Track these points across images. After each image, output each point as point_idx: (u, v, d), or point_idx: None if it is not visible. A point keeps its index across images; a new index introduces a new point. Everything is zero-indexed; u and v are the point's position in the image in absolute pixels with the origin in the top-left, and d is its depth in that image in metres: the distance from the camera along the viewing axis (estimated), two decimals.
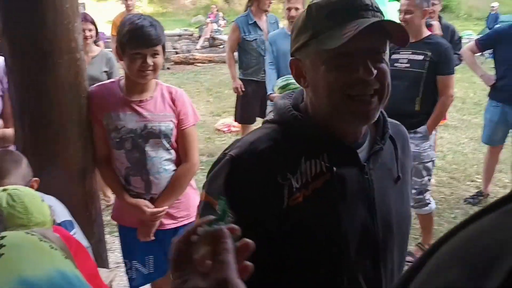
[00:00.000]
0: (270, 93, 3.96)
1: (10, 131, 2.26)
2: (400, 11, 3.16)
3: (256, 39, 4.55)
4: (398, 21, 3.01)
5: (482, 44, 3.97)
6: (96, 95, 2.07)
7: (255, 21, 4.57)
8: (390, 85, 0.97)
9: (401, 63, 3.11)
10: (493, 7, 15.93)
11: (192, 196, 2.23)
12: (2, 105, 2.42)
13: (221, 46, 14.57)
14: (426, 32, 3.15)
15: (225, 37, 14.71)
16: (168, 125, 2.03)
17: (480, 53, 4.47)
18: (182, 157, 2.11)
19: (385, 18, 0.95)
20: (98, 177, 2.21)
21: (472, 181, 4.59)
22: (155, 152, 2.03)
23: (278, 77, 3.94)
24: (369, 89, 0.93)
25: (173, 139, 2.07)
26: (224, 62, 12.00)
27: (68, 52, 1.81)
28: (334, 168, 0.98)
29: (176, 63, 12.03)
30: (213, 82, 9.73)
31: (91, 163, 2.11)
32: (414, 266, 0.40)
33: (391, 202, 1.07)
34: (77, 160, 2.04)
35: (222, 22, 16.80)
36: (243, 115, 4.83)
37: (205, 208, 1.00)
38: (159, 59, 1.95)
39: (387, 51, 0.97)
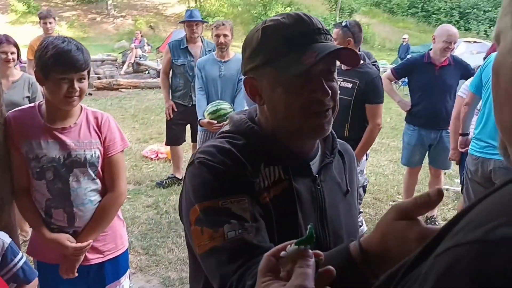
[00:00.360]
0: (200, 119, 3.94)
1: None
2: None
3: (184, 64, 4.58)
4: None
5: (398, 73, 4.26)
6: (15, 121, 1.91)
7: (186, 47, 4.61)
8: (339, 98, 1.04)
9: None
10: (404, 38, 17.44)
11: (119, 227, 2.12)
12: None
13: (146, 72, 14.36)
14: None
15: (150, 63, 14.63)
16: (93, 152, 1.92)
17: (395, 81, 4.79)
18: (108, 186, 2.00)
19: (332, 44, 1.01)
20: (16, 210, 2.03)
21: (394, 201, 4.82)
22: (79, 182, 1.91)
23: (208, 102, 3.96)
24: (324, 107, 1.00)
25: (99, 167, 1.95)
26: (149, 87, 11.94)
27: None
28: (292, 180, 1.03)
29: (99, 88, 11.64)
30: (139, 108, 9.52)
31: (8, 195, 1.93)
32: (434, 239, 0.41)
33: (341, 214, 1.12)
34: None
35: (147, 48, 16.59)
36: (171, 137, 4.93)
37: (207, 215, 0.96)
38: (85, 84, 1.86)
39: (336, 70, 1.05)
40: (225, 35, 3.87)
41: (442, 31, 3.98)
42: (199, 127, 4.07)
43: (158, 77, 12.49)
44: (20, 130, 1.90)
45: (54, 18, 5.02)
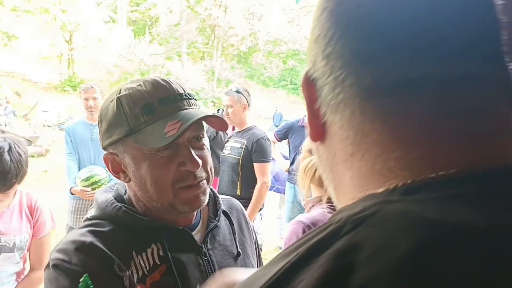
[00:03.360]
0: (72, 186, 3.70)
1: None
2: (225, 106, 3.45)
3: None
4: None
5: (279, 135, 4.64)
6: None
7: None
8: (213, 167, 0.97)
9: (226, 149, 3.46)
10: (277, 108, 19.20)
11: None
12: None
13: None
14: (248, 123, 3.48)
15: (17, 131, 13.56)
16: (23, 237, 1.92)
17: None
18: (35, 265, 2.01)
19: (198, 109, 0.93)
20: None
21: None
22: (3, 267, 1.88)
23: (80, 168, 3.76)
24: (197, 178, 0.92)
25: (25, 251, 1.96)
26: None
27: None
28: (171, 261, 0.92)
29: None
30: None
31: None
32: None
33: None
34: None
35: (12, 116, 15.48)
36: None
37: None
38: None
39: (205, 134, 0.97)
40: (94, 98, 3.77)
41: None
42: (70, 195, 3.79)
43: (28, 145, 11.66)
44: None
45: None
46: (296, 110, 19.80)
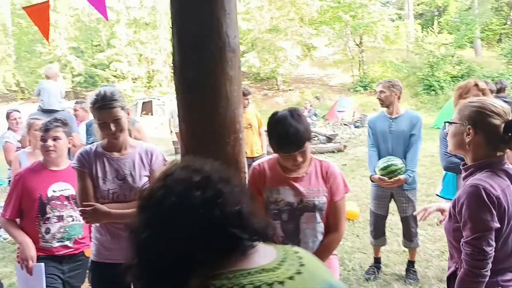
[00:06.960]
0: (372, 174, 4.03)
1: None
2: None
3: None
4: None
5: None
6: (259, 171, 2.25)
7: None
8: None
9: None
10: None
11: (335, 261, 2.37)
12: None
13: (316, 138, 15.01)
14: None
15: (319, 130, 15.26)
16: (321, 199, 2.17)
17: None
18: (331, 227, 2.22)
19: None
20: None
21: None
22: (307, 224, 2.16)
23: (379, 158, 4.03)
24: None
25: (324, 212, 2.20)
26: (320, 152, 12.36)
27: (233, 132, 1.93)
28: None
29: None
30: None
31: None
32: None
33: None
34: None
35: (314, 117, 17.26)
36: None
37: None
38: None
39: None
40: (381, 92, 4.05)
41: None
42: (371, 183, 4.14)
43: (328, 142, 13.09)
44: (263, 179, 2.22)
45: None
46: None
